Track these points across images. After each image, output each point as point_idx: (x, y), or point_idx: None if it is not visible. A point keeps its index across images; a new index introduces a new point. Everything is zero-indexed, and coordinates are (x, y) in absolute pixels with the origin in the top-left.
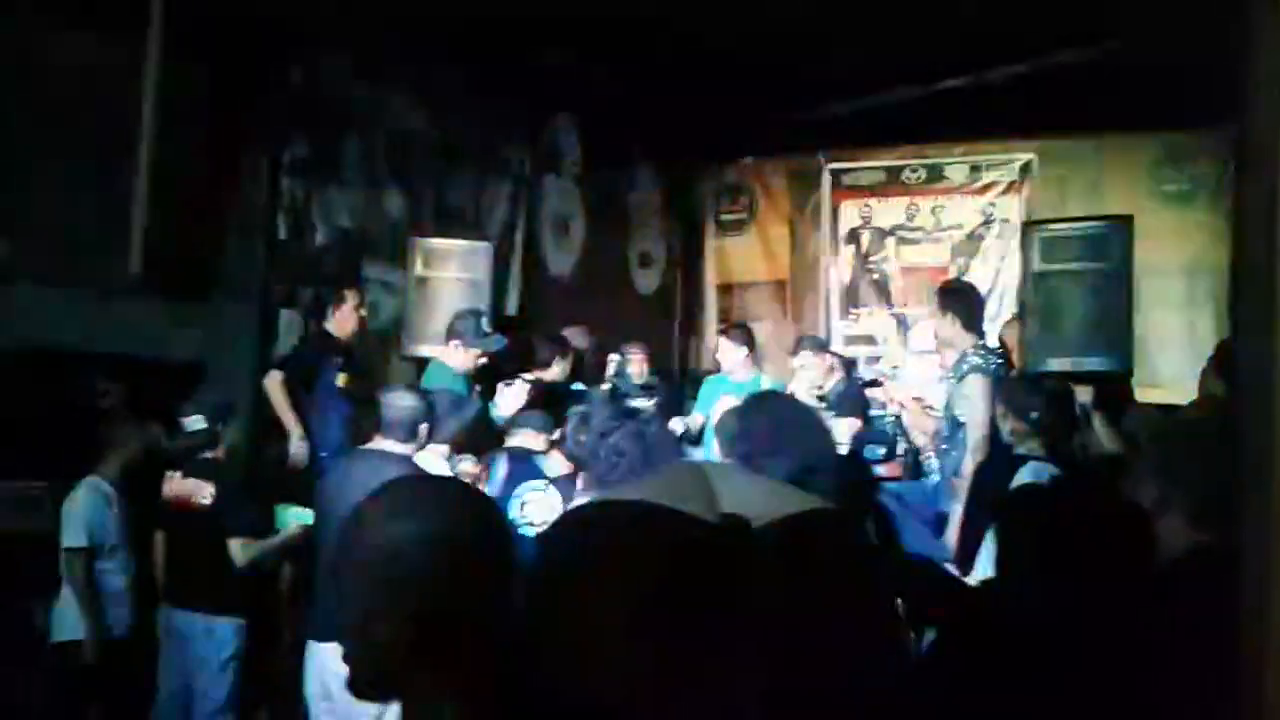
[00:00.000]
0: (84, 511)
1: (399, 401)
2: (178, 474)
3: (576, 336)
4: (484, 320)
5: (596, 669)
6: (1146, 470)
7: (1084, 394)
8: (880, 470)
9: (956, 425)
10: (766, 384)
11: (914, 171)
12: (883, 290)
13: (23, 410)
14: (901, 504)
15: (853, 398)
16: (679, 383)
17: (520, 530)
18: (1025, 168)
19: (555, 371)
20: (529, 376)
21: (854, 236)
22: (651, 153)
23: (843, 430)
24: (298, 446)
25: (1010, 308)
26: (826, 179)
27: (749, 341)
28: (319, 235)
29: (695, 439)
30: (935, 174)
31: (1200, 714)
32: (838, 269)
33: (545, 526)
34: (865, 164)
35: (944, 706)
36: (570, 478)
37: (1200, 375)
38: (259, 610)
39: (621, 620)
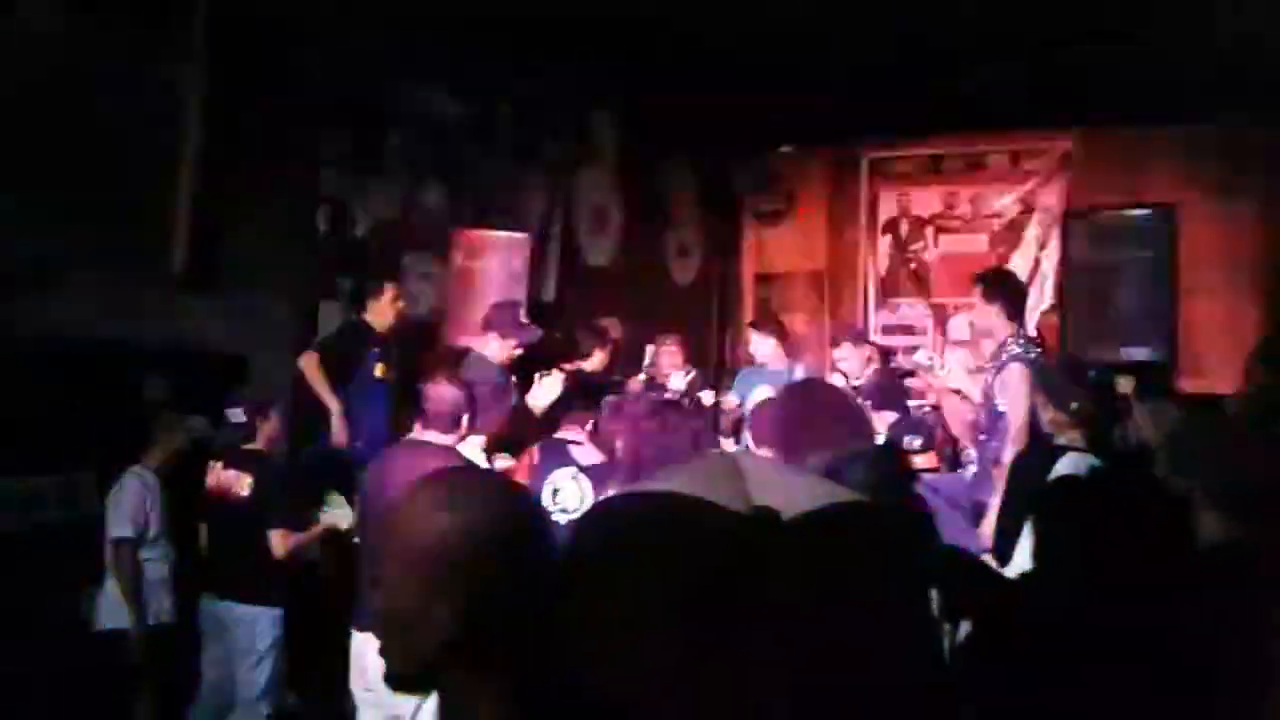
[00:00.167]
0: (130, 502)
1: (440, 392)
2: (219, 465)
3: (612, 328)
4: (520, 311)
5: (621, 661)
6: (1162, 464)
7: (1126, 384)
8: (918, 460)
9: (995, 415)
10: (801, 374)
11: (953, 160)
12: (921, 280)
13: (70, 403)
14: (939, 495)
15: (890, 389)
16: (715, 374)
17: (554, 517)
18: (1066, 156)
19: (595, 361)
20: (568, 367)
21: (892, 226)
22: (689, 143)
23: (880, 421)
24: (338, 425)
25: (1049, 297)
26: (865, 168)
27: (779, 332)
28: (360, 227)
29: (731, 430)
30: (975, 163)
31: (1235, 708)
32: (875, 259)
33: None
34: (904, 153)
35: (979, 701)
36: (602, 466)
37: (1245, 364)
38: (299, 599)
39: (647, 613)
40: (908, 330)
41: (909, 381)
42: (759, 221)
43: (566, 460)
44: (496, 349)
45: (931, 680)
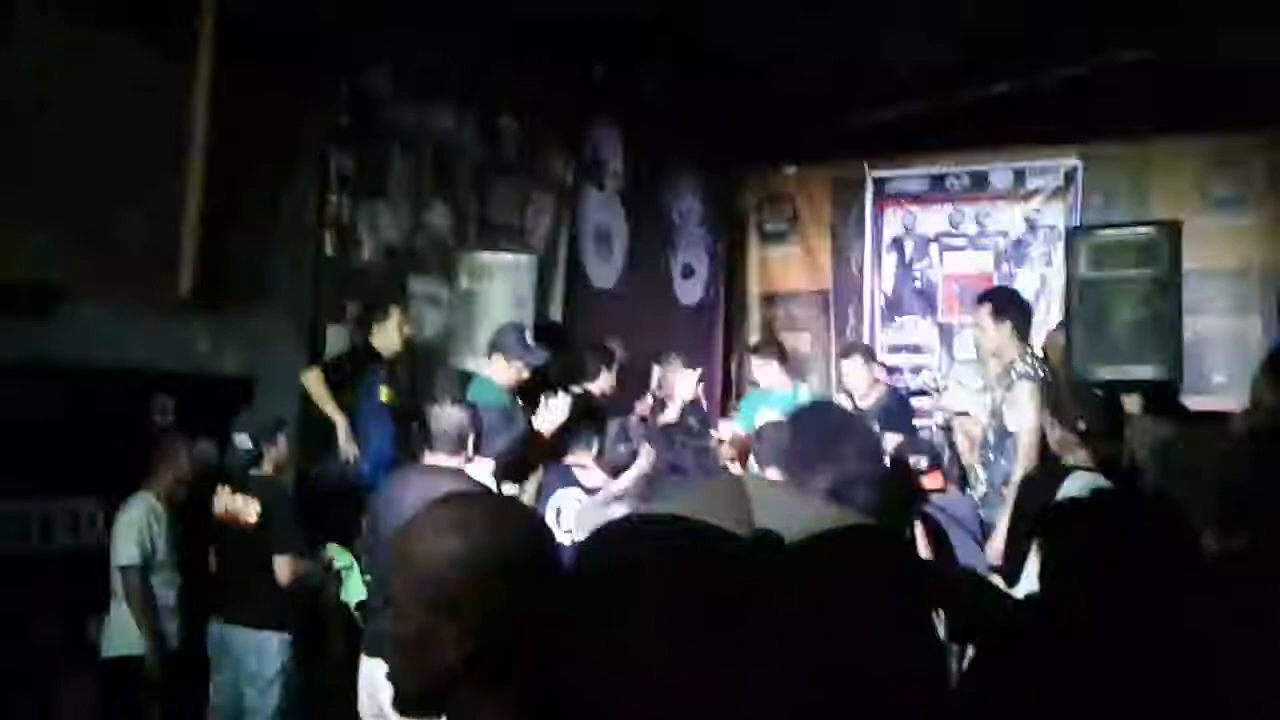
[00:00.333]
0: (136, 528)
1: (447, 414)
2: (226, 490)
3: (618, 349)
4: (527, 334)
5: (626, 681)
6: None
7: (1132, 403)
8: (925, 481)
9: (1003, 434)
10: (806, 394)
11: (957, 178)
12: (926, 299)
13: (75, 427)
14: (946, 516)
15: (896, 411)
16: (723, 402)
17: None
18: (1070, 174)
19: (602, 383)
20: (575, 389)
21: (897, 245)
22: (694, 163)
23: (887, 443)
24: (344, 437)
25: (1055, 315)
26: (869, 187)
27: (779, 355)
28: (365, 251)
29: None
30: (979, 181)
31: None
32: (881, 278)
33: (580, 535)
34: (908, 171)
35: None
36: (606, 489)
37: (1252, 382)
38: (307, 625)
39: (653, 634)
40: (914, 349)
41: (916, 401)
42: (764, 241)
43: (570, 481)
44: (503, 372)
45: (935, 701)
